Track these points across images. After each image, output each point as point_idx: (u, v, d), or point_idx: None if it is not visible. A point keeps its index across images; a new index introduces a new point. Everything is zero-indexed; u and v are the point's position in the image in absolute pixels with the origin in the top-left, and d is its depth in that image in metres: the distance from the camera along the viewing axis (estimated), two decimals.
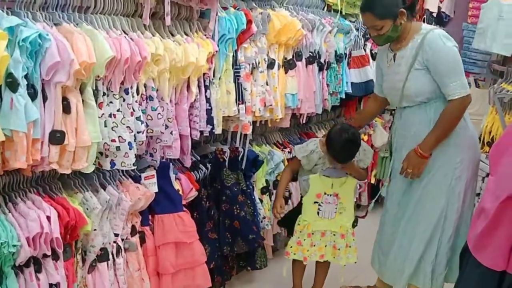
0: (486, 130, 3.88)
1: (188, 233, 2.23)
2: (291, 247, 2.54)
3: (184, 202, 2.30)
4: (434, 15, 4.69)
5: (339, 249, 2.53)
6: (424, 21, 4.43)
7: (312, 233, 2.51)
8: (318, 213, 2.50)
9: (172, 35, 2.14)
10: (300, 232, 2.52)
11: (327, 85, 3.18)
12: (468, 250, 2.30)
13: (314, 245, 2.53)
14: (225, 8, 2.40)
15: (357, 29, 3.36)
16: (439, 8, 4.69)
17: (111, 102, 1.87)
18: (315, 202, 2.48)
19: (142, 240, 2.15)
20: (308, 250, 2.52)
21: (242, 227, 2.53)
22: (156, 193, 2.16)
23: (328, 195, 2.48)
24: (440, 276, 2.48)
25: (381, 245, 2.64)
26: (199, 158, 2.52)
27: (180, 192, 2.25)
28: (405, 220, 2.51)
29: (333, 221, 2.51)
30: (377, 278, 2.81)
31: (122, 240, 2.07)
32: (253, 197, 2.70)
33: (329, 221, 2.51)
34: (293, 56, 2.85)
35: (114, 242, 2.03)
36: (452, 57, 2.25)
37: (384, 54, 2.48)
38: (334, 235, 2.52)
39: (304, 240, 2.51)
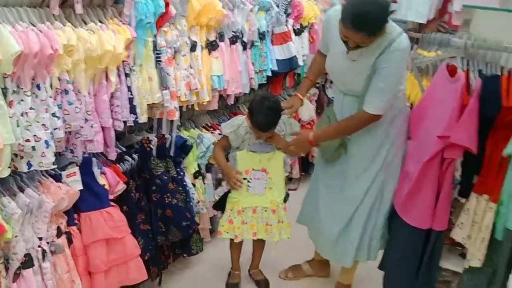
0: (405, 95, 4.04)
1: (118, 228, 2.16)
2: (222, 225, 2.54)
3: (112, 197, 2.21)
4: None
5: (271, 225, 2.54)
6: None
7: (243, 210, 2.51)
8: (247, 189, 2.49)
9: (85, 23, 2.01)
10: (231, 210, 2.51)
11: (252, 63, 3.16)
12: (395, 213, 2.42)
13: (246, 223, 2.53)
14: None
15: (277, 6, 3.33)
16: None
17: (22, 100, 1.74)
18: (244, 179, 2.48)
19: (69, 241, 2.05)
20: (239, 228, 2.52)
21: (174, 215, 2.49)
22: (80, 190, 2.06)
23: (256, 170, 2.48)
24: (376, 247, 2.55)
25: (313, 216, 2.65)
26: (124, 150, 2.43)
27: (107, 187, 2.16)
28: (337, 193, 2.51)
29: (264, 196, 2.52)
30: (314, 251, 2.89)
31: (48, 243, 1.96)
32: (184, 183, 2.65)
33: (260, 197, 2.51)
34: (215, 37, 2.79)
35: (39, 246, 1.92)
36: (395, 78, 2.21)
37: (336, 32, 2.20)
38: (265, 211, 2.53)
39: (235, 217, 2.52)
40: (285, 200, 2.57)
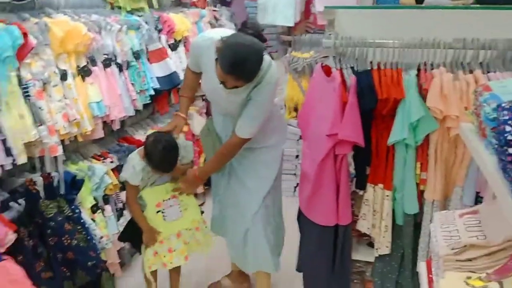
0: (289, 97, 4.19)
1: (16, 282, 1.95)
2: (148, 260, 2.45)
3: (2, 250, 2.00)
4: None
5: (198, 239, 2.53)
6: (208, 4, 4.55)
7: (168, 239, 2.45)
8: (164, 219, 2.44)
9: None
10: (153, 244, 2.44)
11: (132, 84, 3.06)
12: (302, 213, 2.46)
13: (175, 250, 2.46)
14: None
15: (146, 23, 3.28)
16: None
17: None
18: (157, 212, 2.42)
19: None
20: (165, 256, 2.45)
21: (77, 256, 2.33)
22: None
23: (166, 200, 2.44)
24: (278, 254, 2.64)
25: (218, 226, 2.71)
26: (8, 195, 2.22)
27: None
28: (234, 204, 2.58)
29: (182, 219, 2.48)
30: (231, 263, 2.86)
31: None
32: (82, 220, 2.48)
33: (179, 221, 2.48)
34: (87, 63, 2.66)
35: None
36: (266, 107, 2.30)
37: (209, 61, 2.24)
38: (189, 230, 2.50)
39: (159, 248, 2.44)
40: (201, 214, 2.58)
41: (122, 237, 2.65)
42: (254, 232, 2.51)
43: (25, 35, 2.13)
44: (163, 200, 2.44)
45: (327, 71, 2.26)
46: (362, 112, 2.14)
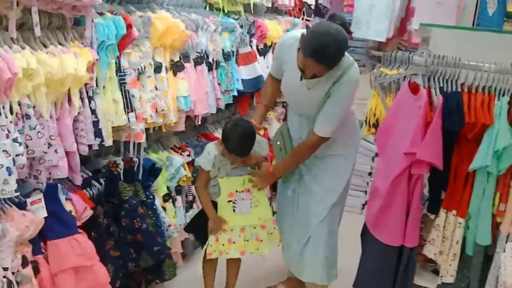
0: (371, 112, 4.11)
1: (87, 256, 2.08)
2: (210, 246, 2.48)
3: (79, 223, 2.15)
4: (313, 7, 4.87)
5: (261, 240, 2.54)
6: (303, 14, 4.58)
7: (231, 230, 2.49)
8: (234, 210, 2.49)
9: (45, 46, 1.98)
10: (219, 233, 2.48)
11: (219, 84, 3.16)
12: (367, 230, 2.42)
13: (234, 242, 2.50)
14: (101, 14, 2.27)
15: (241, 26, 3.37)
16: (316, 0, 4.88)
17: None
18: (229, 201, 2.47)
19: (36, 271, 1.97)
20: (223, 245, 2.49)
21: (145, 240, 2.43)
22: (45, 218, 1.99)
23: (240, 192, 2.48)
24: (335, 267, 2.62)
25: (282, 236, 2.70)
26: (90, 174, 2.37)
27: (73, 213, 2.10)
28: (299, 212, 2.59)
29: (250, 215, 2.51)
30: (288, 270, 2.86)
31: (13, 273, 1.87)
32: (154, 207, 2.59)
33: (246, 216, 2.51)
34: (180, 58, 2.79)
35: (4, 277, 1.83)
36: (344, 104, 2.32)
37: (293, 63, 2.26)
38: (254, 228, 2.53)
39: (220, 235, 2.48)
40: (273, 214, 2.61)
41: (188, 227, 2.74)
42: (316, 240, 2.51)
43: (129, 26, 2.27)
44: (237, 191, 2.48)
45: (414, 88, 2.22)
46: (445, 134, 2.08)
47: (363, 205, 4.24)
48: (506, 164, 2.02)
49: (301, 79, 2.23)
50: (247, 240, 2.53)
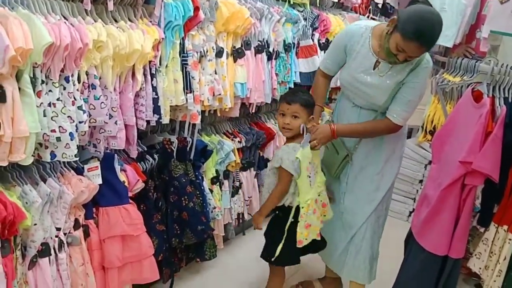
0: (429, 119, 4.01)
1: (135, 226, 2.17)
2: (301, 233, 2.33)
3: (130, 194, 2.23)
4: (380, 6, 4.78)
5: (327, 204, 2.46)
6: (370, 12, 4.51)
7: (315, 207, 2.36)
8: (310, 185, 2.37)
9: (116, 21, 2.06)
10: (306, 214, 2.33)
11: (276, 74, 3.18)
12: (411, 236, 2.37)
13: (310, 225, 2.36)
14: None
15: (305, 19, 3.36)
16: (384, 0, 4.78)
17: (50, 90, 1.78)
18: (307, 176, 2.35)
19: (86, 234, 2.07)
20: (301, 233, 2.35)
21: (190, 218, 2.50)
22: (100, 185, 2.08)
23: (311, 164, 2.36)
24: (375, 267, 2.58)
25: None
26: (145, 149, 2.45)
27: (126, 184, 2.18)
28: (345, 209, 2.55)
29: (316, 183, 2.41)
30: (325, 269, 2.85)
31: (65, 234, 1.99)
32: (202, 187, 2.66)
33: (315, 186, 2.39)
34: (241, 45, 2.82)
35: (56, 236, 1.94)
36: (420, 93, 2.29)
37: (362, 50, 2.30)
38: (319, 195, 2.41)
39: (311, 218, 2.35)
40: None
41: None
42: (361, 237, 2.48)
43: (196, 9, 2.32)
44: (309, 163, 2.34)
45: (477, 96, 2.16)
46: (505, 146, 2.01)
47: (410, 212, 4.16)
48: None
49: (374, 68, 2.23)
50: (321, 215, 2.43)
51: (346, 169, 2.53)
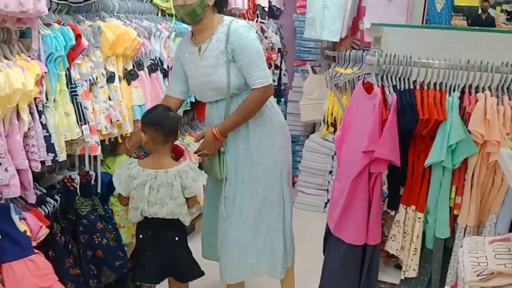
0: (328, 112, 4.17)
1: (44, 276, 2.00)
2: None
3: (35, 243, 2.06)
4: (266, 9, 4.88)
5: None
6: (257, 16, 4.59)
7: None
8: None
9: None
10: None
11: None
12: (329, 233, 2.43)
13: None
14: (48, 25, 2.18)
15: None
16: (269, 2, 4.89)
17: None
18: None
19: None
20: None
21: (106, 255, 2.36)
22: None
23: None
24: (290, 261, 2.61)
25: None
26: (45, 191, 2.28)
27: (28, 233, 2.01)
28: (236, 209, 2.51)
29: None
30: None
31: None
32: (113, 220, 2.53)
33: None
34: (133, 66, 2.73)
35: None
36: (254, 47, 2.35)
37: (185, 48, 2.49)
38: None
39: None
40: None
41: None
42: (255, 235, 2.50)
43: (78, 36, 2.20)
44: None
45: (368, 88, 2.25)
46: (400, 131, 2.12)
47: (326, 203, 4.29)
48: (460, 158, 2.07)
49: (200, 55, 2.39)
50: None
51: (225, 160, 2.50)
